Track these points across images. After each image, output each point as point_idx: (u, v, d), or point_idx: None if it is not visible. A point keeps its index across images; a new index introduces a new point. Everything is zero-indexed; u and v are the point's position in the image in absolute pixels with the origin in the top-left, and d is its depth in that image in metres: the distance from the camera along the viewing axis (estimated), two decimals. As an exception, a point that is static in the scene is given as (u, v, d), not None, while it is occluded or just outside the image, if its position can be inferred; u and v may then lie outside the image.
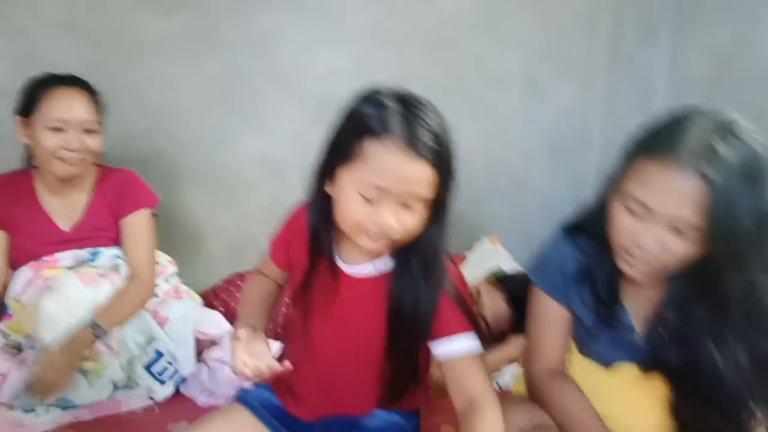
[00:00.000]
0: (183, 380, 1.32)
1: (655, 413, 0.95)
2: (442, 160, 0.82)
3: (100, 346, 1.24)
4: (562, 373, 1.04)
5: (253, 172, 1.95)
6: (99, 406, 1.24)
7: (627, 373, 0.99)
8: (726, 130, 0.78)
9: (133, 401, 1.25)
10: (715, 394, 0.83)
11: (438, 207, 0.86)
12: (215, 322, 1.44)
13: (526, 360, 1.09)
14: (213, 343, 1.41)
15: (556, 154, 2.07)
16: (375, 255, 0.94)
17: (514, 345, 1.46)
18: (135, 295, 1.35)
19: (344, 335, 0.97)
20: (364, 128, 0.81)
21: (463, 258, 1.99)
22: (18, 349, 1.30)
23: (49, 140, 1.30)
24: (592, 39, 2.03)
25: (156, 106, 1.85)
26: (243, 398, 1.03)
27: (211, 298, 1.73)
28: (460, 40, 1.97)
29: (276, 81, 1.91)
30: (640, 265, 0.85)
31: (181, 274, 1.63)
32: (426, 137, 0.80)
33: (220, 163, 1.95)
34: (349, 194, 0.83)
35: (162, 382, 1.29)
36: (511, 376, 1.44)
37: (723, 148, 0.76)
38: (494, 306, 1.53)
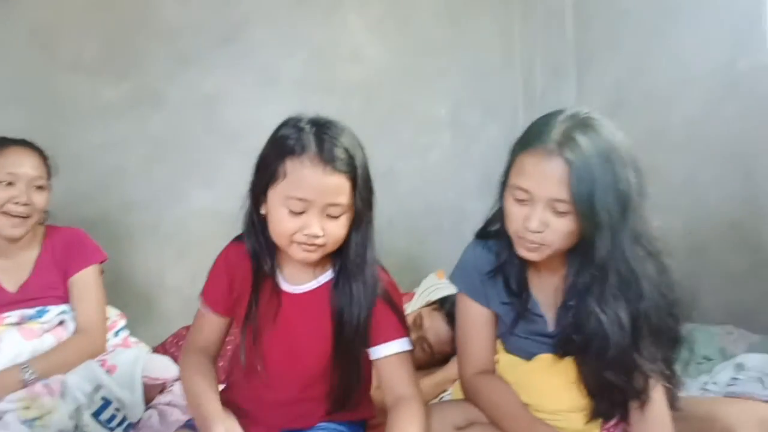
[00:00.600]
0: (131, 426, 1.32)
1: (571, 395, 1.02)
2: (354, 171, 0.94)
3: (38, 388, 1.24)
4: (490, 372, 1.11)
5: (202, 227, 2.01)
6: (46, 458, 1.22)
7: (542, 362, 1.07)
8: (583, 123, 0.93)
9: (82, 450, 1.23)
10: (606, 355, 0.93)
11: (359, 215, 0.97)
12: (163, 366, 1.44)
13: (459, 364, 1.16)
14: (163, 387, 1.42)
15: (489, 189, 2.22)
16: (314, 270, 1.02)
17: (454, 365, 1.51)
18: (78, 348, 1.36)
19: (294, 351, 1.03)
20: (285, 150, 0.93)
21: (412, 295, 2.07)
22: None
23: None
24: (508, 83, 2.25)
25: (103, 169, 1.93)
26: (192, 424, 1.03)
27: (160, 353, 1.73)
28: (389, 90, 2.16)
29: (222, 137, 2.03)
30: (533, 246, 0.96)
31: (134, 334, 1.63)
32: (338, 152, 0.92)
33: (169, 220, 2.02)
34: (278, 210, 0.93)
35: (111, 430, 1.27)
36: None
37: (580, 137, 0.91)
38: (436, 328, 1.59)
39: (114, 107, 1.93)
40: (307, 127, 0.94)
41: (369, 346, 1.02)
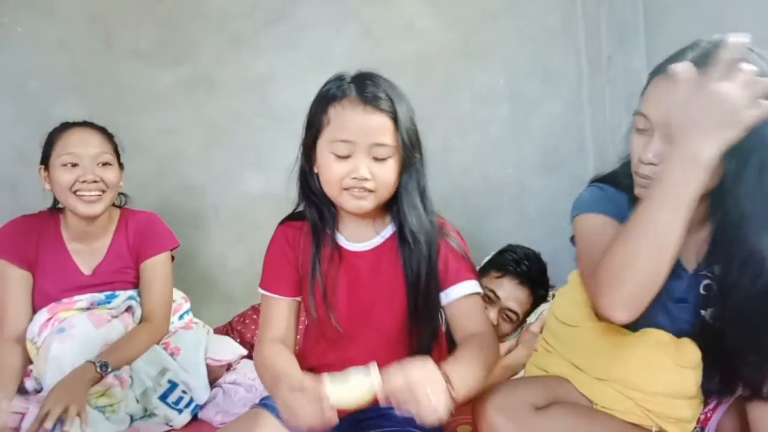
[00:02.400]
0: (199, 407, 1.33)
1: (676, 378, 0.94)
2: (395, 109, 0.94)
3: (110, 380, 1.25)
4: None
5: (259, 210, 2.01)
6: (119, 437, 1.24)
7: (654, 338, 0.97)
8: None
9: (152, 428, 1.26)
10: (757, 283, 0.83)
11: (407, 158, 0.97)
12: (226, 347, 1.45)
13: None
14: (228, 367, 1.43)
15: (551, 164, 2.12)
16: (374, 224, 1.02)
17: (525, 348, 1.44)
18: (144, 337, 1.36)
19: (367, 309, 1.03)
20: (327, 99, 0.96)
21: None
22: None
23: (65, 176, 1.32)
24: (571, 50, 2.11)
25: (161, 154, 1.96)
26: (266, 403, 1.02)
27: (226, 332, 1.74)
28: (444, 64, 2.06)
29: (274, 119, 2.01)
30: (645, 182, 0.87)
31: (197, 315, 1.66)
32: (378, 92, 0.94)
33: (228, 204, 2.03)
34: (326, 157, 0.95)
35: (179, 412, 1.29)
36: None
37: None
38: (512, 294, 1.53)
39: (170, 93, 1.96)
40: (349, 77, 0.98)
41: (441, 289, 1.01)
